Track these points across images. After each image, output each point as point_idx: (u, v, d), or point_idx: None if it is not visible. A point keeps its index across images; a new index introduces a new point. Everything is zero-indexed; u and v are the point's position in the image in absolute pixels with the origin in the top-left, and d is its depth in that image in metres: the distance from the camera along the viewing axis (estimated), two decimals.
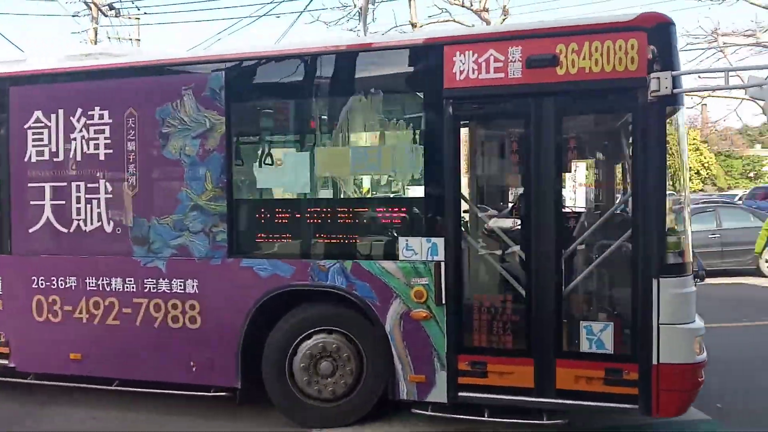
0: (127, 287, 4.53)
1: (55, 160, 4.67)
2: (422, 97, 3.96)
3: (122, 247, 4.54)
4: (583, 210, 4.71)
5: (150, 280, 4.47)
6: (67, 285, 4.66)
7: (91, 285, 4.61)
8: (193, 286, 4.39)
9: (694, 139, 32.30)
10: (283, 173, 4.29)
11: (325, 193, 4.44)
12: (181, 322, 4.42)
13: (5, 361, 4.87)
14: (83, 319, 4.63)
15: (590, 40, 3.63)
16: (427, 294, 3.94)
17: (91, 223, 4.61)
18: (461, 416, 3.96)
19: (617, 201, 4.11)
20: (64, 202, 4.66)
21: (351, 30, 19.00)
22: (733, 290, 9.69)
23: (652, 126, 3.56)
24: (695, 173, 33.82)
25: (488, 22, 18.28)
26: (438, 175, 3.91)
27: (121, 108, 4.49)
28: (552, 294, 3.77)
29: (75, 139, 4.60)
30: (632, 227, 3.65)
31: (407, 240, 3.98)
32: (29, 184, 4.73)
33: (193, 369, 4.43)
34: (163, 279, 4.45)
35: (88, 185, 4.60)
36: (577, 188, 5.04)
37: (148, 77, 4.53)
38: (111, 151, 4.54)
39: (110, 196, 4.55)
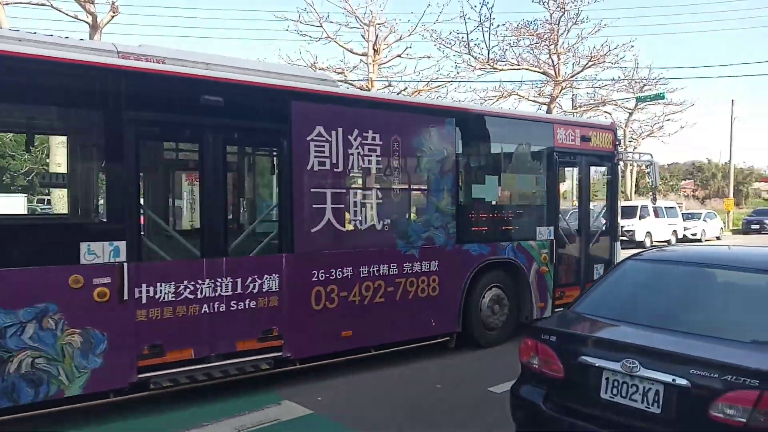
0: (390, 271, 6.52)
1: (335, 170, 6.11)
2: (544, 149, 7.98)
3: (388, 241, 6.51)
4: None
5: (407, 264, 6.66)
6: (345, 275, 6.19)
7: (363, 272, 6.32)
8: (435, 265, 6.87)
9: None
10: (485, 189, 7.35)
11: (504, 202, 7.74)
12: (426, 292, 6.82)
13: (279, 353, 5.83)
14: (356, 301, 6.28)
15: (599, 131, 8.58)
16: (547, 257, 7.98)
17: (365, 223, 6.34)
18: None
19: (602, 207, 9.16)
20: (342, 205, 6.17)
21: None
22: None
23: (616, 173, 8.84)
24: None
25: (94, 16, 19.73)
26: (552, 192, 8.02)
27: (389, 133, 6.47)
28: (587, 253, 8.52)
29: (353, 154, 6.22)
30: (609, 219, 8.84)
31: (539, 228, 7.91)
32: (313, 191, 5.95)
33: (433, 324, 6.91)
34: (416, 262, 6.72)
35: (364, 192, 6.31)
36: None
37: (408, 114, 6.67)
38: (381, 166, 6.44)
39: (381, 201, 6.44)
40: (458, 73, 34.93)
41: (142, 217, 5.41)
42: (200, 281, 5.34)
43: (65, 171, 7.38)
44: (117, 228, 4.97)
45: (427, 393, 5.82)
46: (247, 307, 5.60)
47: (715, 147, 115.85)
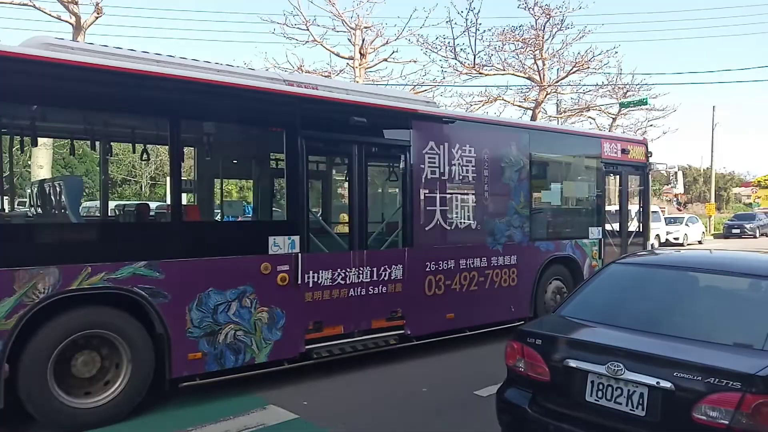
0: (482, 263, 8.02)
1: (442, 178, 7.59)
2: (594, 161, 9.64)
3: (480, 238, 8.02)
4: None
5: (494, 258, 8.17)
6: (449, 266, 7.66)
7: (462, 264, 7.81)
8: (514, 259, 8.40)
9: None
10: (551, 194, 8.94)
11: (565, 205, 9.36)
12: (507, 282, 8.34)
13: (402, 331, 7.26)
14: (457, 289, 7.75)
15: (634, 145, 10.31)
16: (597, 254, 9.64)
17: (464, 223, 7.84)
18: None
19: (637, 212, 10.88)
20: (447, 208, 7.65)
21: None
22: None
23: (648, 181, 10.59)
24: None
25: (78, 17, 20.57)
26: (601, 197, 9.69)
27: (480, 147, 7.99)
28: (626, 250, 10.20)
29: (455, 164, 7.72)
30: (642, 220, 10.59)
31: (591, 229, 9.56)
32: (426, 195, 7.41)
33: (512, 310, 8.43)
34: (501, 256, 8.23)
35: (462, 197, 7.81)
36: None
37: (495, 130, 8.20)
38: (475, 175, 7.95)
39: (475, 204, 7.94)
40: (444, 77, 36.19)
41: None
42: (348, 269, 6.72)
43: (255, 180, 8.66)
44: (293, 225, 6.33)
45: (414, 395, 5.98)
46: (380, 291, 7.00)
47: (697, 152, 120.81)
